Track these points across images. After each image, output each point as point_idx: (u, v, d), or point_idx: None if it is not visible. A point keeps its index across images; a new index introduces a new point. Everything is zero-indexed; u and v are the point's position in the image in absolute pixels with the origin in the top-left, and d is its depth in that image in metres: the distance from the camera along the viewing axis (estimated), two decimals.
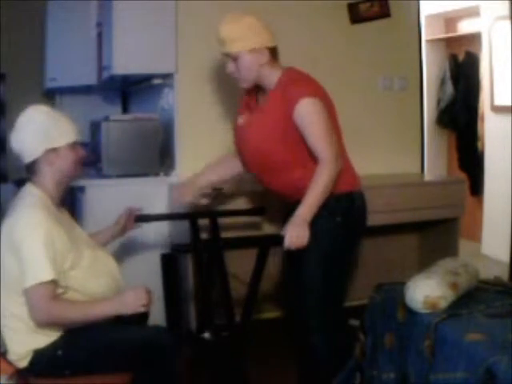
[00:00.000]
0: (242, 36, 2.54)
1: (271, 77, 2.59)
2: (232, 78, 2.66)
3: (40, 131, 2.32)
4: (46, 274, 2.15)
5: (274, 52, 2.60)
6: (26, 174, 2.40)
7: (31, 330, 2.22)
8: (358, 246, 2.89)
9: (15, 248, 2.19)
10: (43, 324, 2.20)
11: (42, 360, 2.22)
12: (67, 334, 2.25)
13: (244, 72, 2.59)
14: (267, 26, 2.62)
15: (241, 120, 2.73)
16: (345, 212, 2.60)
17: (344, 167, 2.62)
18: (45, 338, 2.23)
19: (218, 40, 2.61)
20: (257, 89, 2.68)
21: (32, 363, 2.23)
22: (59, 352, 2.21)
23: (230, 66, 2.62)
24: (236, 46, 2.55)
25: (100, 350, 2.24)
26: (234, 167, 2.92)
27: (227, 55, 2.61)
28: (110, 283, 2.39)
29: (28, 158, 2.35)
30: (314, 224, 2.53)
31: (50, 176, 2.34)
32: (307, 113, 2.49)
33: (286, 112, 2.51)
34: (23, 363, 2.23)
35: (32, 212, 2.24)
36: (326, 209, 2.54)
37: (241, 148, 2.76)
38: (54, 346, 2.22)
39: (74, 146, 2.39)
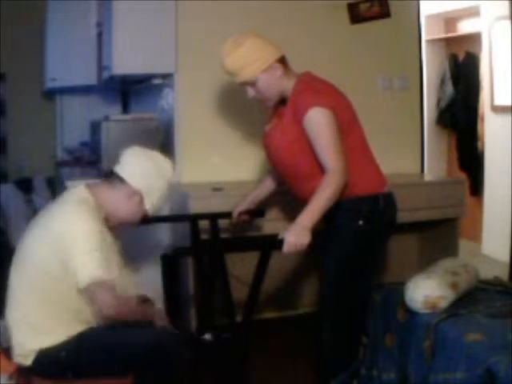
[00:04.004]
0: (250, 60, 2.50)
1: (289, 86, 2.57)
2: (256, 100, 2.63)
3: (155, 181, 2.34)
4: (106, 273, 2.14)
5: (283, 61, 2.58)
6: (104, 180, 2.39)
7: (36, 332, 2.21)
8: (382, 248, 2.88)
9: (63, 248, 2.14)
10: (109, 319, 2.19)
11: (46, 361, 2.21)
12: (71, 336, 2.24)
13: (266, 92, 2.58)
14: (267, 38, 2.58)
15: (268, 127, 2.72)
16: (368, 215, 2.57)
17: (370, 168, 2.64)
18: (49, 339, 2.22)
19: (226, 72, 2.57)
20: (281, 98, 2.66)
21: (35, 363, 2.22)
22: (62, 354, 2.20)
23: (250, 92, 2.59)
24: (248, 72, 2.52)
25: (103, 353, 2.23)
26: (268, 186, 2.97)
27: (243, 83, 2.58)
28: None
29: (124, 174, 2.32)
30: (336, 224, 2.56)
31: (115, 200, 2.32)
32: (314, 123, 2.46)
33: (298, 121, 2.49)
34: (27, 361, 2.23)
35: (84, 212, 2.20)
36: (349, 211, 2.55)
37: (267, 154, 2.76)
38: (57, 348, 2.21)
39: (146, 210, 2.38)
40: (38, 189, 4.96)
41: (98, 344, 2.23)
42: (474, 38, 5.34)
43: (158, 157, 2.39)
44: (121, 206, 2.33)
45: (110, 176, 2.35)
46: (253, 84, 2.56)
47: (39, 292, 2.21)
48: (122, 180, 2.31)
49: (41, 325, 2.22)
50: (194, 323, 3.42)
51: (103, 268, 2.14)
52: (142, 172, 2.33)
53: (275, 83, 2.56)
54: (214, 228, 3.05)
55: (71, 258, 2.13)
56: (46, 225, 2.22)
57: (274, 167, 2.80)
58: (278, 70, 2.55)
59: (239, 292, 2.98)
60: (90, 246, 2.14)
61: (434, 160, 5.70)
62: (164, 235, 3.69)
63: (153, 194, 2.34)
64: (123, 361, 2.23)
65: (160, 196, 2.37)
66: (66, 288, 2.19)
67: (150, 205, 2.35)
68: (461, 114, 5.57)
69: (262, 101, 2.65)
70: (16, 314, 2.24)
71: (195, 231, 3.03)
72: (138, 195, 2.32)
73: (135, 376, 2.22)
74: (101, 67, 4.30)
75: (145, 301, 2.51)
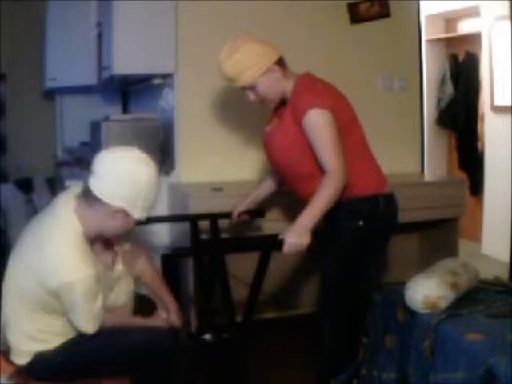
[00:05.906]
0: (248, 65, 2.50)
1: (288, 87, 2.57)
2: (257, 103, 2.63)
3: (135, 191, 2.12)
4: (92, 328, 2.19)
5: (281, 62, 2.58)
6: (82, 197, 2.17)
7: (32, 338, 2.21)
8: (382, 248, 2.88)
9: (49, 288, 2.09)
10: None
11: (42, 364, 2.21)
12: (68, 340, 2.24)
13: (266, 95, 2.58)
14: (264, 39, 2.58)
15: (267, 127, 2.72)
16: (368, 215, 2.57)
17: (369, 168, 2.64)
18: (45, 345, 2.21)
19: (225, 78, 2.58)
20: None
21: (31, 366, 2.22)
22: (58, 358, 2.20)
23: (251, 96, 2.60)
24: (247, 76, 2.52)
25: (99, 358, 2.22)
26: (268, 187, 2.96)
27: (243, 88, 2.58)
28: None
29: (101, 194, 2.11)
30: (337, 224, 2.57)
31: (99, 221, 2.16)
32: (313, 124, 2.45)
33: (298, 123, 2.49)
34: (23, 361, 2.22)
35: (69, 255, 2.08)
36: (349, 211, 2.55)
37: (267, 155, 2.76)
38: (53, 352, 2.21)
39: (135, 220, 2.21)
40: (38, 189, 4.95)
41: (93, 347, 2.22)
42: (474, 38, 5.34)
43: (133, 160, 2.13)
44: (106, 225, 2.17)
45: (87, 193, 2.14)
46: (252, 88, 2.56)
47: (31, 304, 2.18)
48: (99, 200, 2.12)
49: (34, 334, 2.20)
50: (194, 323, 3.42)
51: (96, 319, 2.18)
52: (118, 188, 2.10)
53: (275, 85, 2.56)
54: (214, 228, 3.05)
55: (67, 310, 2.15)
56: (37, 262, 2.09)
57: (274, 168, 2.81)
58: (277, 73, 2.55)
59: (239, 292, 2.99)
60: (82, 304, 2.12)
61: (434, 160, 5.70)
62: (164, 235, 3.69)
63: (137, 203, 2.13)
64: (118, 365, 2.23)
65: (147, 199, 2.16)
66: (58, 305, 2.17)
67: (139, 213, 2.16)
68: (461, 114, 5.57)
69: (262, 103, 2.64)
70: (9, 318, 2.23)
71: (195, 231, 3.04)
72: (121, 212, 2.13)
73: (133, 378, 2.22)
74: (101, 67, 4.30)
75: (146, 305, 2.52)
